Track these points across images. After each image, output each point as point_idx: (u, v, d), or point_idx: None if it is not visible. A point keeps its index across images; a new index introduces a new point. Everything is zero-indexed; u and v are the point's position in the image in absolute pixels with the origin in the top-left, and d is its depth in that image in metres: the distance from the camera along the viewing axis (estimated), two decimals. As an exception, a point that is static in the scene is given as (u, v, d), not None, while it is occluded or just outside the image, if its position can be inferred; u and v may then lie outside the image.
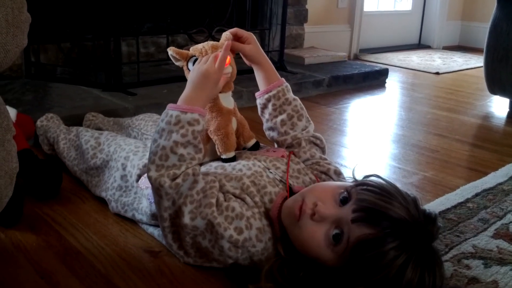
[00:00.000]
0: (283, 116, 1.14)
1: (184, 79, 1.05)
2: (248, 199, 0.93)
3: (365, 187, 0.83)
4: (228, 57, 1.01)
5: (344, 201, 0.84)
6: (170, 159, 0.89)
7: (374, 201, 0.79)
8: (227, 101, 1.06)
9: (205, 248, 0.91)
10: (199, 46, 1.05)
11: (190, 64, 1.04)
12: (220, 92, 1.04)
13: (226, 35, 1.06)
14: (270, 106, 1.14)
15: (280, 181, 0.99)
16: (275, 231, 0.93)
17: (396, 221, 0.77)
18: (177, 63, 1.06)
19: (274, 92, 1.13)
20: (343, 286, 0.79)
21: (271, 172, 1.00)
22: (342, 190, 0.85)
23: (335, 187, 0.88)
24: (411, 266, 0.75)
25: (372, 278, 0.76)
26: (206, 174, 0.97)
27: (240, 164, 1.01)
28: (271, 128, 1.17)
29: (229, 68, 1.03)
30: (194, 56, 1.04)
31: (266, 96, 1.14)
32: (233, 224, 0.89)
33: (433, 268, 0.78)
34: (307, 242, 0.85)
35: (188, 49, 1.06)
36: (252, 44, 1.11)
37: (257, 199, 0.93)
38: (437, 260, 0.80)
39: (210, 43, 1.05)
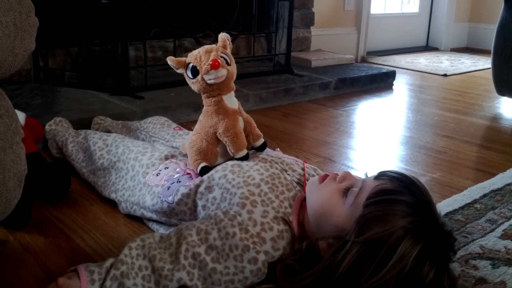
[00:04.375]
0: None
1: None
2: (258, 207, 0.90)
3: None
4: (219, 60, 1.01)
5: None
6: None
7: (398, 176, 0.86)
8: (231, 101, 1.06)
9: None
10: (195, 52, 1.05)
11: (188, 72, 1.05)
12: (223, 94, 1.04)
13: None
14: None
15: (298, 183, 1.00)
16: (294, 233, 0.90)
17: (416, 192, 0.81)
18: (178, 71, 1.07)
19: None
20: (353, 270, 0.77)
21: (288, 174, 1.01)
22: None
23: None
24: (414, 239, 0.76)
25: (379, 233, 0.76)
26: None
27: (257, 165, 1.00)
28: None
29: (224, 71, 1.02)
30: (191, 63, 1.04)
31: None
32: (244, 259, 0.84)
33: (439, 259, 0.77)
34: (323, 197, 0.89)
35: (187, 56, 1.07)
36: None
37: (275, 204, 0.92)
38: (446, 254, 0.81)
39: (205, 47, 1.05)
